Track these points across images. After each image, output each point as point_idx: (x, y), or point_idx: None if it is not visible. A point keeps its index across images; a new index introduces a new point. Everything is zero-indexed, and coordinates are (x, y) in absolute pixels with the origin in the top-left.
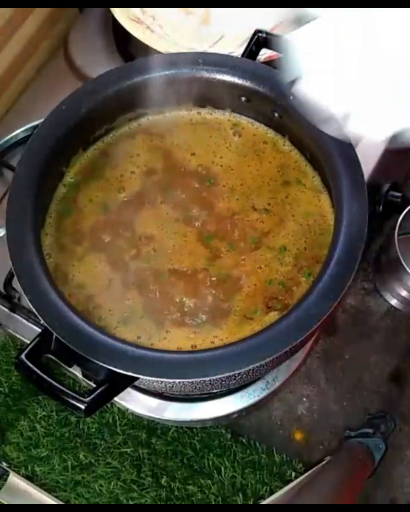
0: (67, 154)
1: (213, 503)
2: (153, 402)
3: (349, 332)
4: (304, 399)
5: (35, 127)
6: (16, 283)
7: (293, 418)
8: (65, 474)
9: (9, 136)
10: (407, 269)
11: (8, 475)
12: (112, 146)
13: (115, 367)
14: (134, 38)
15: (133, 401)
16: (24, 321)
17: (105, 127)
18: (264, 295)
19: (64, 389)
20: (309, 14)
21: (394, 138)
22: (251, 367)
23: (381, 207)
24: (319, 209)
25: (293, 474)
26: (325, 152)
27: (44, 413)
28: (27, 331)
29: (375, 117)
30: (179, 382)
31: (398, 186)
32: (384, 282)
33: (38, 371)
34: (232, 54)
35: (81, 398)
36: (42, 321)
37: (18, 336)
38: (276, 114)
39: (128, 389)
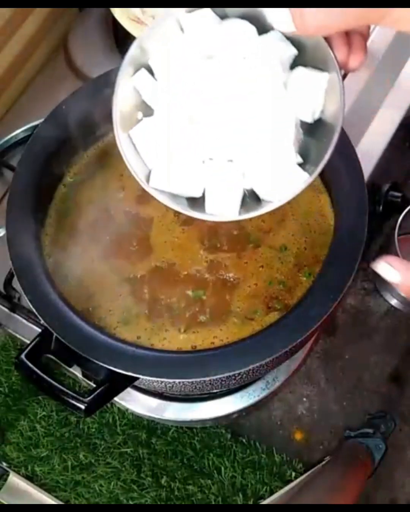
0: (67, 154)
1: (213, 503)
2: (153, 402)
3: (349, 332)
4: (304, 399)
5: (35, 127)
6: (16, 283)
7: (293, 418)
8: (65, 474)
9: (9, 136)
10: None
11: (8, 475)
12: (112, 146)
13: (115, 367)
14: (134, 38)
15: (133, 401)
16: (24, 321)
17: (105, 127)
18: (264, 295)
19: (64, 389)
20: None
21: None
22: (251, 367)
23: (381, 207)
24: (319, 209)
25: (293, 474)
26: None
27: (44, 413)
28: (27, 331)
29: (225, 196)
30: (179, 382)
31: (398, 186)
32: (384, 282)
33: (38, 371)
34: None
35: (81, 398)
36: (42, 321)
37: (18, 336)
38: None
39: (128, 389)
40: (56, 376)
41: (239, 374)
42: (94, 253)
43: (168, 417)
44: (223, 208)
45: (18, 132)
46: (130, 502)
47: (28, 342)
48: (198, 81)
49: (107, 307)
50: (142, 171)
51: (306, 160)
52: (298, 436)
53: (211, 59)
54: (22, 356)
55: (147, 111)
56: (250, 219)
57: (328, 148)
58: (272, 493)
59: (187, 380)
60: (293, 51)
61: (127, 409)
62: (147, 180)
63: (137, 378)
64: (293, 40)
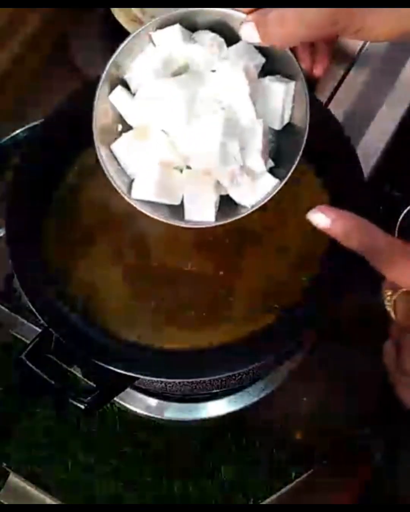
0: (67, 154)
1: (213, 503)
2: (153, 402)
3: (349, 333)
4: (304, 399)
5: (35, 127)
6: (16, 283)
7: (293, 418)
8: (65, 474)
9: (9, 136)
10: None
11: (8, 475)
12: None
13: (115, 367)
14: None
15: (133, 401)
16: (24, 321)
17: None
18: (264, 295)
19: (64, 389)
20: None
21: None
22: (250, 367)
23: (381, 207)
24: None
25: (293, 474)
26: (325, 152)
27: (44, 413)
28: (27, 331)
29: (201, 203)
30: (179, 382)
31: (398, 185)
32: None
33: (38, 371)
34: None
35: (81, 398)
36: (42, 321)
37: (18, 336)
38: None
39: (128, 389)
40: (56, 376)
41: (239, 374)
42: (94, 253)
43: (168, 417)
44: (201, 215)
45: (18, 132)
46: (130, 502)
47: (28, 342)
48: (168, 95)
49: (107, 307)
50: (125, 183)
51: (279, 163)
52: (298, 436)
53: (179, 74)
54: (22, 356)
55: (126, 124)
56: (250, 219)
57: (297, 153)
58: (272, 493)
59: (187, 380)
60: (261, 60)
61: (127, 409)
62: (130, 190)
63: (137, 378)
64: (261, 48)
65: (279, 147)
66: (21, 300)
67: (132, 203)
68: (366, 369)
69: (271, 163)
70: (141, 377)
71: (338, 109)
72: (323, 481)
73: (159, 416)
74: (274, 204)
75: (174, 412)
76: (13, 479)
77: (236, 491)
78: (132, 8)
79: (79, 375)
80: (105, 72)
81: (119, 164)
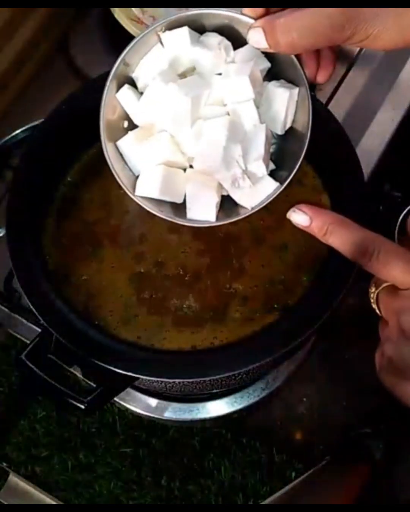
0: (67, 154)
1: (213, 503)
2: (153, 402)
3: (349, 332)
4: (304, 399)
5: (35, 127)
6: (16, 283)
7: (293, 418)
8: (65, 474)
9: (9, 136)
10: None
11: (8, 475)
12: None
13: (115, 367)
14: (134, 38)
15: (133, 401)
16: (24, 321)
17: None
18: (264, 295)
19: (64, 389)
20: None
21: None
22: (250, 367)
23: (381, 207)
24: (320, 207)
25: (293, 474)
26: (325, 153)
27: (44, 413)
28: (27, 331)
29: (203, 203)
30: (179, 382)
31: (398, 186)
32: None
33: (38, 371)
34: None
35: (81, 398)
36: (42, 321)
37: (18, 336)
38: None
39: (128, 389)
40: (56, 376)
41: (239, 374)
42: (94, 253)
43: (168, 417)
44: (202, 214)
45: (18, 132)
46: (130, 502)
47: (28, 342)
48: (174, 98)
49: (108, 307)
50: (129, 179)
51: (281, 166)
52: (298, 436)
53: (185, 76)
54: (22, 356)
55: (132, 122)
56: (251, 219)
57: (298, 158)
58: (272, 493)
59: (187, 380)
60: (267, 64)
61: (127, 409)
62: (133, 187)
63: (137, 378)
64: (266, 52)
65: (281, 150)
66: (21, 300)
67: (135, 199)
68: (366, 369)
69: (272, 166)
70: (141, 377)
71: (338, 109)
72: (323, 481)
73: (159, 416)
74: (274, 204)
75: (174, 412)
76: (13, 479)
77: (236, 491)
78: (132, 8)
79: (79, 375)
80: (113, 70)
81: (124, 160)
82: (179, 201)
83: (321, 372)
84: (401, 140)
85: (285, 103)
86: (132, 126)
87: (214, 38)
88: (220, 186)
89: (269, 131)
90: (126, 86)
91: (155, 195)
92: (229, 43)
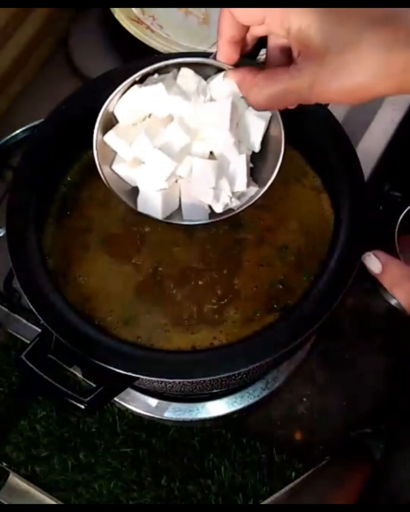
0: (67, 154)
1: (213, 503)
2: (153, 402)
3: (349, 332)
4: (304, 399)
5: (35, 127)
6: (16, 283)
7: (293, 418)
8: (65, 474)
9: (9, 136)
10: None
11: (8, 475)
12: None
13: (115, 367)
14: (134, 38)
15: (133, 401)
16: (24, 321)
17: None
18: (265, 295)
19: (64, 389)
20: None
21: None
22: (250, 367)
23: (381, 207)
24: (320, 209)
25: (293, 474)
26: (325, 152)
27: (44, 413)
28: (27, 331)
29: (195, 207)
30: (179, 382)
31: (398, 186)
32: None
33: (38, 371)
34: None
35: (81, 398)
36: (42, 321)
37: (18, 336)
38: None
39: (128, 389)
40: (56, 376)
41: (239, 374)
42: (94, 253)
43: (168, 417)
44: (197, 216)
45: (18, 132)
46: (130, 502)
47: (28, 342)
48: (160, 160)
49: (108, 307)
50: (126, 191)
51: (257, 177)
52: (298, 436)
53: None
54: (22, 356)
55: None
56: (251, 219)
57: (275, 168)
58: (272, 493)
59: (187, 380)
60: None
61: (127, 409)
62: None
63: (137, 378)
64: None
65: (257, 163)
66: (21, 300)
67: (133, 207)
68: (366, 369)
69: (250, 165)
70: (141, 377)
71: (338, 109)
72: (323, 481)
73: (159, 416)
74: (275, 204)
75: (174, 412)
76: (13, 479)
77: (236, 491)
78: (132, 8)
79: (79, 375)
80: (98, 121)
81: (120, 177)
82: (176, 207)
83: (321, 372)
84: (401, 140)
85: (262, 130)
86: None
87: (191, 80)
88: (209, 193)
89: (248, 156)
90: (111, 132)
91: (159, 217)
92: (205, 84)
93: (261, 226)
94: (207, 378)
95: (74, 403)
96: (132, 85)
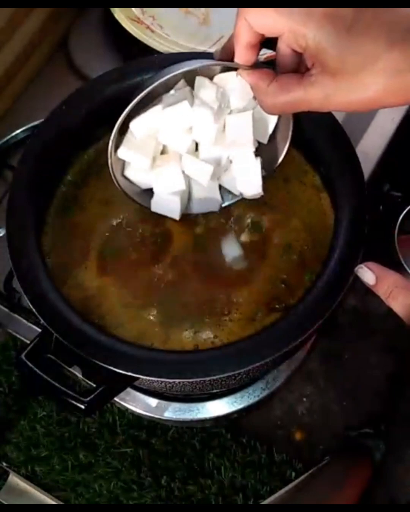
0: (67, 154)
1: (213, 503)
2: (153, 402)
3: (349, 332)
4: (304, 399)
5: (35, 127)
6: (16, 283)
7: (293, 418)
8: (65, 474)
9: (9, 136)
10: (407, 269)
11: (8, 475)
12: None
13: (115, 367)
14: (134, 38)
15: (133, 401)
16: (24, 321)
17: (105, 127)
18: (266, 295)
19: (64, 389)
20: None
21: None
22: (251, 367)
23: (381, 207)
24: (321, 209)
25: (293, 474)
26: (325, 153)
27: (44, 413)
28: (27, 331)
29: (204, 202)
30: (179, 382)
31: (398, 186)
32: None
33: (38, 371)
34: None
35: (81, 398)
36: (42, 321)
37: (18, 336)
38: None
39: (128, 389)
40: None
41: (239, 374)
42: (94, 253)
43: (168, 417)
44: (207, 208)
45: (18, 132)
46: (130, 502)
47: (28, 342)
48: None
49: (107, 307)
50: (136, 192)
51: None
52: (298, 436)
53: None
54: (22, 356)
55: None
56: (252, 219)
57: (279, 157)
58: (272, 493)
59: (187, 380)
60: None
61: (127, 409)
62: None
63: (137, 378)
64: None
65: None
66: (21, 300)
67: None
68: (366, 369)
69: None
70: (141, 377)
71: None
72: (323, 481)
73: (159, 416)
74: (275, 204)
75: (174, 412)
76: (13, 479)
77: (236, 491)
78: (132, 8)
79: (79, 375)
80: (112, 136)
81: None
82: (186, 201)
83: (321, 372)
84: (401, 140)
85: (273, 124)
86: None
87: (210, 90)
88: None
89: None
90: (123, 148)
91: (177, 217)
92: (224, 91)
93: (262, 226)
94: (207, 378)
95: (74, 403)
96: (148, 99)
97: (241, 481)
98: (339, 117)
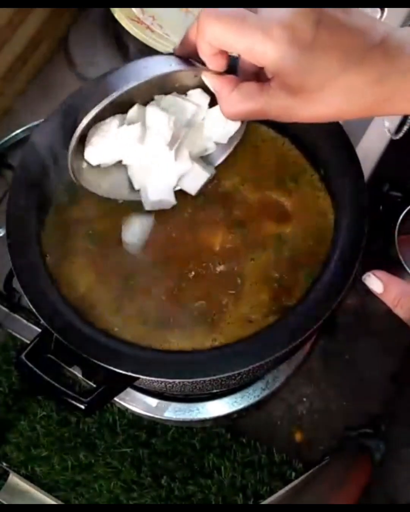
0: (67, 154)
1: (213, 503)
2: (153, 402)
3: (349, 332)
4: (304, 399)
5: (35, 127)
6: (16, 283)
7: (293, 418)
8: (65, 474)
9: (9, 136)
10: (407, 269)
11: (8, 475)
12: None
13: (115, 367)
14: (134, 38)
15: (133, 401)
16: (24, 321)
17: None
18: (265, 296)
19: (64, 389)
20: None
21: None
22: (250, 367)
23: (381, 207)
24: (320, 209)
25: (293, 474)
26: (325, 153)
27: (44, 413)
28: (27, 331)
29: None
30: (179, 382)
31: (398, 186)
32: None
33: (38, 371)
34: (232, 54)
35: (81, 398)
36: (42, 321)
37: (18, 336)
38: None
39: (128, 389)
40: (56, 376)
41: (239, 374)
42: (94, 253)
43: (168, 417)
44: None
45: (18, 132)
46: (130, 502)
47: (28, 342)
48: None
49: (108, 307)
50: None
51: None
52: (298, 436)
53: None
54: (22, 356)
55: None
56: (252, 219)
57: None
58: (272, 493)
59: (187, 380)
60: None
61: (127, 409)
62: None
63: (137, 378)
64: None
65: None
66: (21, 300)
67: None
68: (366, 369)
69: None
70: (141, 377)
71: None
72: (323, 481)
73: (159, 416)
74: (275, 204)
75: (174, 412)
76: (13, 479)
77: (236, 491)
78: (132, 8)
79: (79, 375)
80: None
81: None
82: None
83: (321, 372)
84: (401, 140)
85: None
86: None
87: (161, 119)
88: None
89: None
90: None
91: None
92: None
93: (262, 226)
94: (207, 378)
95: (74, 403)
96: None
97: (241, 481)
98: None
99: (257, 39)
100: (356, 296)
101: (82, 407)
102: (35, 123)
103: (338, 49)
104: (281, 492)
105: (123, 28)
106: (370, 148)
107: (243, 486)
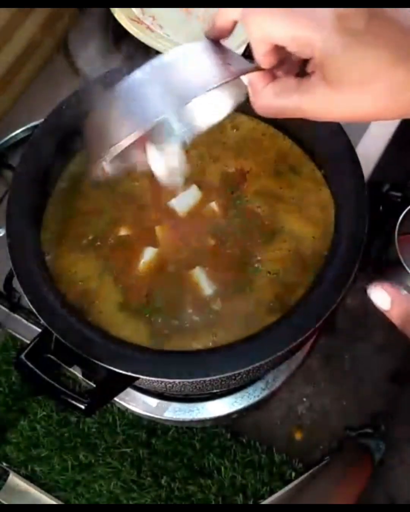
0: (67, 154)
1: (213, 503)
2: (153, 402)
3: (349, 332)
4: (304, 399)
5: (35, 127)
6: (16, 283)
7: (293, 418)
8: (65, 474)
9: (9, 136)
10: (407, 269)
11: (8, 475)
12: None
13: (115, 367)
14: (134, 38)
15: (133, 401)
16: (24, 321)
17: None
18: (265, 295)
19: (64, 389)
20: None
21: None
22: (251, 367)
23: (381, 207)
24: (320, 209)
25: (293, 474)
26: (325, 153)
27: (44, 413)
28: (27, 331)
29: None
30: (179, 382)
31: (398, 186)
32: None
33: (38, 371)
34: None
35: (81, 398)
36: (42, 321)
37: (18, 336)
38: None
39: (128, 389)
40: (56, 376)
41: (239, 374)
42: (94, 253)
43: (168, 417)
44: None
45: (18, 132)
46: (130, 502)
47: (28, 342)
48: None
49: (108, 307)
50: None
51: None
52: (298, 436)
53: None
54: (22, 356)
55: None
56: (252, 219)
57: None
58: (272, 493)
59: (187, 380)
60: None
61: (127, 409)
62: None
63: (137, 378)
64: None
65: None
66: (21, 300)
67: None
68: (366, 369)
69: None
70: (141, 377)
71: None
72: (323, 481)
73: (159, 416)
74: (275, 205)
75: (174, 412)
76: (13, 479)
77: (236, 491)
78: (132, 8)
79: (79, 375)
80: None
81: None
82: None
83: (321, 372)
84: (401, 140)
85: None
86: None
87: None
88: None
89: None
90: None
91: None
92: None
93: (263, 226)
94: (207, 378)
95: (74, 403)
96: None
97: (241, 481)
98: None
99: (307, 26)
100: (356, 296)
101: (82, 407)
102: (35, 123)
103: (389, 43)
104: (281, 492)
105: (123, 28)
106: (370, 148)
107: (242, 486)
